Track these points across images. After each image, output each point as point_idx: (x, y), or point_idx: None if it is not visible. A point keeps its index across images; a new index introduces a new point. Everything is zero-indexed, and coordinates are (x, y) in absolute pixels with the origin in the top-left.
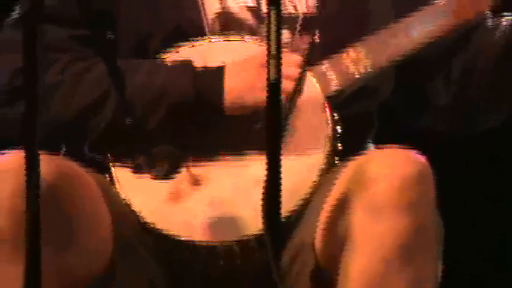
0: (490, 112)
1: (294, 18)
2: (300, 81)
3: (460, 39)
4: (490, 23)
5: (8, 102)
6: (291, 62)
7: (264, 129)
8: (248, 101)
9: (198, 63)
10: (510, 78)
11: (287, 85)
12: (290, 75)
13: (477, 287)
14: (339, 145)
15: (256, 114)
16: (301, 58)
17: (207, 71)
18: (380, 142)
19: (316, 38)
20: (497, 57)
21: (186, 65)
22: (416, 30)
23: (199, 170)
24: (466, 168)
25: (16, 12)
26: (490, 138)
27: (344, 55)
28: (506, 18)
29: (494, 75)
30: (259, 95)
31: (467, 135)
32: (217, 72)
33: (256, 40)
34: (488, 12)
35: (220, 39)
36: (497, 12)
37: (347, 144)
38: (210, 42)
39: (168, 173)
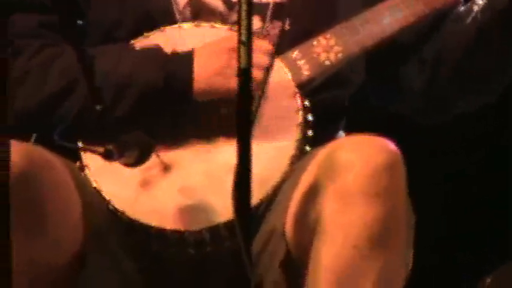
0: (461, 97)
1: (265, 5)
2: (270, 69)
3: (432, 25)
4: (461, 7)
5: None
6: (261, 50)
7: (233, 115)
8: (218, 86)
9: (167, 49)
10: (481, 62)
11: (257, 73)
12: (260, 62)
13: (447, 274)
14: (310, 132)
15: (226, 99)
16: (271, 46)
17: (175, 56)
18: (351, 129)
19: (287, 26)
20: (467, 41)
21: (155, 50)
22: (387, 18)
23: (169, 156)
24: (436, 155)
25: None
26: (460, 124)
27: (315, 42)
28: (478, 2)
29: (465, 59)
30: (228, 79)
31: (438, 122)
32: (186, 57)
33: (227, 27)
34: None
35: (191, 25)
36: None
37: (318, 131)
38: (180, 28)
39: (138, 159)
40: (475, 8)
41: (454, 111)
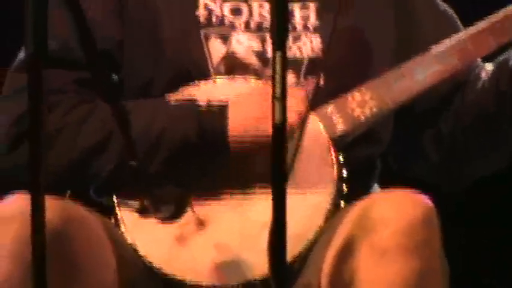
0: (477, 165)
1: (299, 61)
2: (304, 124)
3: (449, 91)
4: (473, 74)
5: (13, 146)
6: (296, 100)
7: (268, 170)
8: (252, 138)
9: (202, 101)
10: (492, 131)
11: (292, 128)
12: (295, 119)
13: None
14: (344, 187)
15: (260, 154)
16: (306, 94)
17: (209, 109)
18: (386, 183)
19: (321, 81)
20: (478, 108)
21: (189, 104)
22: (422, 72)
23: (204, 211)
24: (471, 210)
25: (20, 56)
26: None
27: (349, 97)
28: (487, 69)
29: (477, 126)
30: (263, 132)
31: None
32: (220, 110)
33: (261, 82)
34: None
35: (225, 79)
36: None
37: (352, 186)
38: (215, 82)
39: (173, 214)
40: (483, 74)
41: (474, 178)
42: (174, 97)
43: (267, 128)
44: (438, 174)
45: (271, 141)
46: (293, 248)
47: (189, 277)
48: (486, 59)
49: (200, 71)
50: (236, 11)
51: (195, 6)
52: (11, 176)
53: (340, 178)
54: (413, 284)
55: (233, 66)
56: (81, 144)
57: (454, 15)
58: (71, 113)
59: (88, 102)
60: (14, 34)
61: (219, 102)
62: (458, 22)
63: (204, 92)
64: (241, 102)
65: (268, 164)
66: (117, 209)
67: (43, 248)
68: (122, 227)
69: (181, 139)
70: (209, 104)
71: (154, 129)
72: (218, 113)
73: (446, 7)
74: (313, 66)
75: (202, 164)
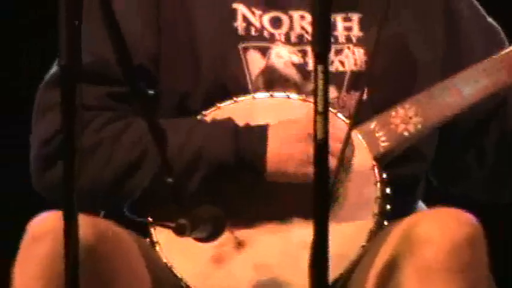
0: None
1: (341, 74)
2: (347, 141)
3: (494, 106)
4: None
5: (46, 168)
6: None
7: (308, 189)
8: (290, 171)
9: (240, 121)
10: None
11: (334, 145)
12: (337, 134)
13: None
14: (388, 206)
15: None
16: (347, 120)
17: (248, 130)
18: (431, 200)
19: (365, 95)
20: None
21: (227, 123)
22: (469, 87)
23: (241, 232)
24: None
25: (53, 70)
26: None
27: (393, 113)
28: None
29: None
30: (302, 167)
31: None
32: (260, 133)
33: (302, 97)
34: None
35: (264, 96)
36: None
37: (396, 204)
38: (254, 98)
39: (211, 234)
40: None
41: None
42: (211, 115)
43: (304, 167)
44: (483, 189)
45: (306, 179)
46: (335, 269)
47: None
48: None
49: (238, 85)
50: (276, 23)
51: (233, 17)
52: (47, 196)
53: (384, 197)
54: None
55: (272, 80)
56: (116, 161)
57: (500, 29)
58: (105, 129)
59: (123, 117)
60: None
61: (258, 125)
62: (504, 36)
63: (243, 109)
64: (282, 133)
65: (307, 187)
66: (152, 229)
67: (76, 266)
68: (157, 246)
69: (219, 158)
70: (248, 125)
71: (192, 147)
72: (258, 135)
73: (491, 21)
74: (356, 79)
75: (240, 185)
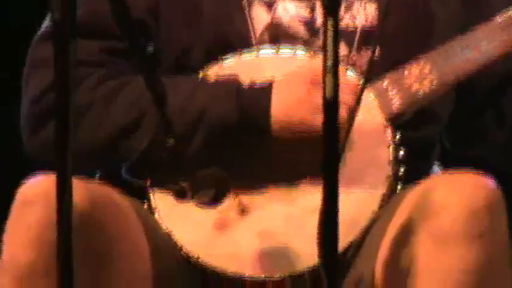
0: None
1: (352, 31)
2: (358, 100)
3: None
4: None
5: (37, 126)
6: (345, 92)
7: (315, 151)
8: (297, 121)
9: (244, 79)
10: None
11: (344, 104)
12: (347, 94)
13: None
14: (401, 170)
15: (307, 137)
16: (359, 76)
17: (251, 88)
18: (447, 163)
19: (376, 53)
20: None
21: (230, 81)
22: (487, 42)
23: (246, 198)
24: None
25: (46, 23)
26: None
27: (406, 71)
28: None
29: None
30: (309, 114)
31: None
32: (264, 90)
33: (309, 53)
34: None
35: (269, 51)
36: None
37: (410, 168)
38: (258, 54)
39: (213, 199)
40: None
41: None
42: (213, 70)
43: (311, 114)
44: (502, 154)
45: (314, 127)
46: (345, 236)
47: (230, 267)
48: None
49: (242, 41)
50: None
51: None
52: (38, 157)
53: (397, 159)
54: (477, 273)
55: (278, 36)
56: (113, 121)
57: None
58: (101, 86)
59: (120, 75)
60: None
61: (262, 81)
62: None
63: (246, 66)
64: (286, 82)
65: (315, 151)
66: (151, 193)
67: (69, 233)
68: (156, 212)
69: (221, 118)
70: (252, 82)
71: (193, 106)
72: (262, 92)
73: None
74: (367, 36)
75: (245, 148)
